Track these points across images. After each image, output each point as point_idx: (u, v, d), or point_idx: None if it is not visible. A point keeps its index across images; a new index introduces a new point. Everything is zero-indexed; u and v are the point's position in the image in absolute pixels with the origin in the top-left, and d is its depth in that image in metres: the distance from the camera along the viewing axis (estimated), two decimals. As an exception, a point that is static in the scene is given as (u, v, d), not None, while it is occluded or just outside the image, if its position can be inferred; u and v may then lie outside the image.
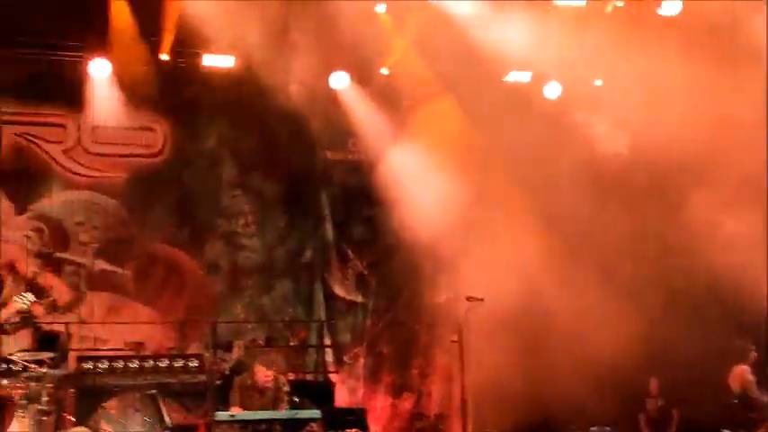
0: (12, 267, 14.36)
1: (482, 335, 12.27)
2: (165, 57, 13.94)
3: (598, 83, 14.79)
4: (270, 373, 11.37)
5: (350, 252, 15.78)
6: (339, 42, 13.37)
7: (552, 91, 14.96)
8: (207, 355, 13.45)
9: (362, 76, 14.69)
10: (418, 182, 14.08)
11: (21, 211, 14.59)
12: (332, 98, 14.83)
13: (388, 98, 14.63)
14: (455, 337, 11.30)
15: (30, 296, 8.58)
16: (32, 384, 11.10)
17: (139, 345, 13.72)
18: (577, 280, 13.74)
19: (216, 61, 14.06)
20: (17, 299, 8.47)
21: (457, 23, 13.47)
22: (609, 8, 13.97)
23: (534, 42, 13.44)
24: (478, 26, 13.48)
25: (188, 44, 13.94)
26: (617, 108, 14.46)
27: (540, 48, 13.54)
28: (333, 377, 14.96)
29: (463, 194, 13.85)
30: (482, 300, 11.33)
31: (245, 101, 14.73)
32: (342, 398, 14.71)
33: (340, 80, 14.69)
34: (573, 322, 13.53)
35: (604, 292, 13.68)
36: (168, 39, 13.81)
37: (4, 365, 11.59)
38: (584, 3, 13.89)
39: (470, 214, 13.99)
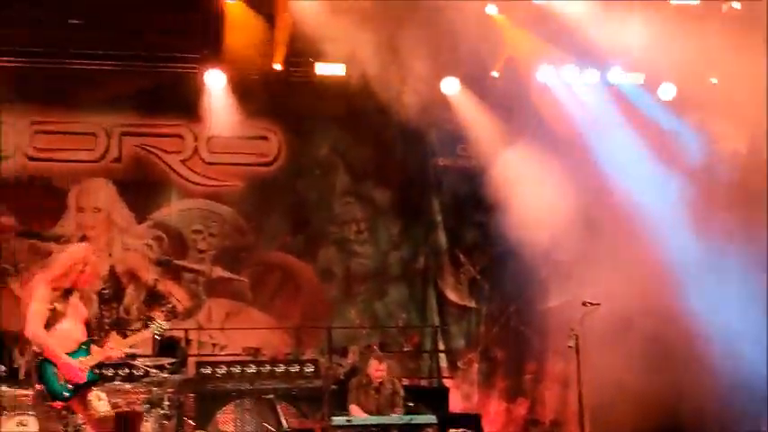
0: (133, 275, 14.73)
1: (600, 340, 12.09)
2: (278, 66, 14.12)
3: (713, 81, 14.48)
4: (382, 366, 11.51)
5: (462, 257, 15.75)
6: (450, 47, 13.34)
7: (666, 92, 14.71)
8: (322, 360, 13.60)
9: (473, 81, 14.62)
10: (531, 185, 13.95)
11: (141, 220, 14.96)
12: (443, 104, 14.83)
13: (499, 101, 14.53)
14: (571, 343, 11.17)
15: (165, 324, 8.84)
16: (154, 389, 11.36)
17: (256, 350, 13.93)
18: (700, 282, 13.47)
19: (328, 70, 14.16)
20: (152, 325, 8.72)
21: (568, 24, 13.33)
22: (724, 8, 13.67)
23: (648, 43, 13.21)
24: (590, 27, 13.31)
25: (300, 53, 14.09)
26: (734, 107, 14.12)
27: (655, 48, 13.31)
28: (447, 382, 14.95)
29: (578, 197, 13.67)
30: (598, 305, 11.19)
31: (357, 109, 14.81)
32: (456, 403, 14.68)
33: (451, 85, 14.67)
34: (697, 326, 13.27)
35: (727, 296, 13.38)
36: (281, 49, 13.98)
37: (127, 370, 11.87)
38: (698, 1, 13.63)
39: (586, 217, 13.80)
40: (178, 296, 14.87)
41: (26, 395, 11.12)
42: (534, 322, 15.35)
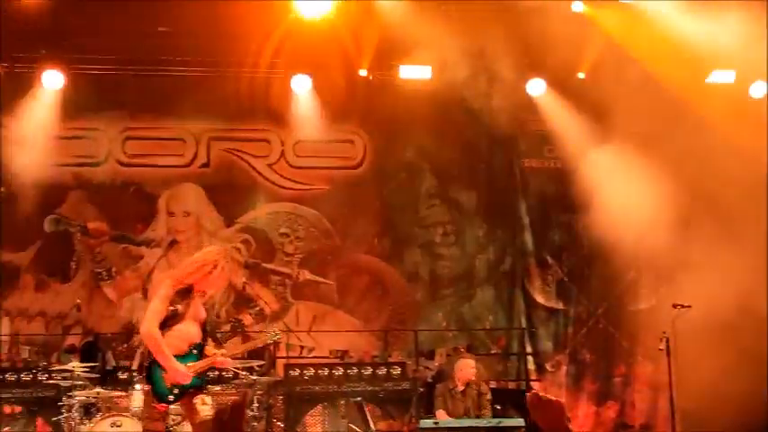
0: (222, 278, 14.87)
1: (693, 343, 11.88)
2: (363, 73, 14.19)
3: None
4: (473, 363, 11.48)
5: (550, 259, 15.62)
6: (536, 47, 13.23)
7: (758, 90, 14.42)
8: (409, 362, 13.61)
9: (559, 81, 14.51)
10: (620, 185, 13.78)
11: (229, 223, 15.15)
12: (529, 105, 14.75)
13: (585, 102, 14.39)
14: (662, 345, 11.00)
15: (278, 332, 8.89)
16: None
17: (344, 353, 14.00)
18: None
19: (413, 73, 14.17)
20: (269, 333, 8.76)
21: (658, 22, 13.13)
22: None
23: (741, 40, 12.94)
24: (680, 25, 13.09)
25: (386, 57, 14.14)
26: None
27: (747, 45, 13.03)
28: (535, 385, 14.84)
29: (668, 198, 13.44)
30: (689, 307, 11.01)
31: (442, 111, 14.79)
32: (544, 406, 14.55)
33: (537, 86, 14.57)
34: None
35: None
36: (367, 53, 14.05)
37: (217, 372, 11.99)
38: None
39: (678, 217, 13.56)
40: (266, 299, 15.02)
41: (120, 396, 11.34)
42: (623, 324, 15.18)
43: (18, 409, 12.47)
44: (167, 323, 7.66)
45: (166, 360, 7.60)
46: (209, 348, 8.01)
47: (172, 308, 7.68)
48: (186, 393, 7.75)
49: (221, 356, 8.01)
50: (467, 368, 11.55)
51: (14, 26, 13.41)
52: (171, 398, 7.71)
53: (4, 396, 12.18)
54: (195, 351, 7.82)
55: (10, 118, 14.28)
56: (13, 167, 14.43)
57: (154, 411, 7.72)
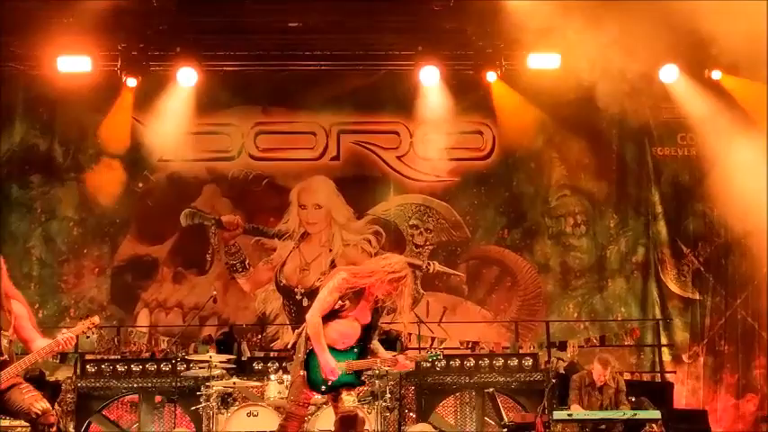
0: (352, 270, 14.99)
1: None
2: (492, 75, 14.17)
3: None
4: (606, 371, 11.26)
5: (685, 248, 15.28)
6: (668, 34, 12.94)
7: None
8: (541, 353, 13.52)
9: (693, 69, 14.19)
10: (757, 174, 13.38)
11: (359, 215, 15.29)
12: (662, 92, 14.45)
13: (719, 88, 14.03)
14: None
15: (440, 353, 8.89)
16: (377, 382, 11.53)
17: (475, 344, 13.97)
18: None
19: (542, 61, 14.03)
20: (431, 351, 8.71)
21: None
22: None
23: None
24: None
25: (512, 47, 14.05)
26: None
27: None
28: (670, 377, 14.56)
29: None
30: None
31: (571, 100, 14.62)
32: (680, 398, 14.29)
33: (669, 73, 14.26)
34: None
35: None
36: (495, 42, 14.00)
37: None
38: None
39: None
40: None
41: (256, 386, 11.56)
42: (763, 315, 14.77)
43: (158, 398, 12.83)
44: (331, 315, 7.62)
45: (321, 352, 7.56)
46: (381, 352, 7.90)
47: (341, 302, 7.62)
48: (337, 387, 7.73)
49: (381, 362, 7.96)
50: (596, 372, 11.31)
51: (150, 27, 13.83)
52: (323, 388, 7.73)
53: (144, 385, 12.55)
54: (356, 350, 7.78)
55: (148, 115, 14.71)
56: (151, 163, 14.91)
57: (302, 396, 7.74)
